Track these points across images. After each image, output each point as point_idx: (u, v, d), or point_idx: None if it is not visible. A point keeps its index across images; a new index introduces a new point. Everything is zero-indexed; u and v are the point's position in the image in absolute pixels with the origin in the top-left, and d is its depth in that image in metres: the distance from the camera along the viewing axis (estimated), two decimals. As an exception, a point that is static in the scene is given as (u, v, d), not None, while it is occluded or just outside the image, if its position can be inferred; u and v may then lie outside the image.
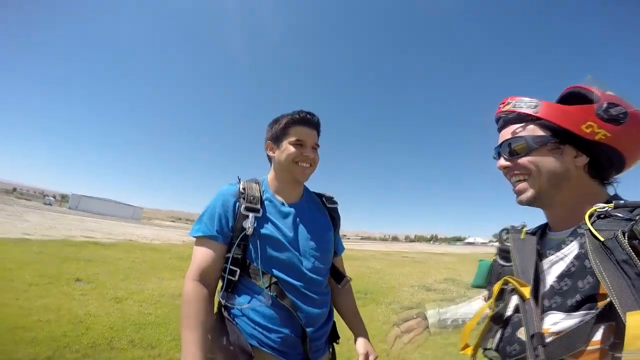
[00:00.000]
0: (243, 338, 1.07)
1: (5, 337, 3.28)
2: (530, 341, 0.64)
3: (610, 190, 0.77)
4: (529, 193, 0.77)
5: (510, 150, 0.78)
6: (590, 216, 0.65)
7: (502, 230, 0.94)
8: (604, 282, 0.55)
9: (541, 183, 0.75)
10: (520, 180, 0.79)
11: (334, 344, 1.33)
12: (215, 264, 1.13)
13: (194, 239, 1.17)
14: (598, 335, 0.56)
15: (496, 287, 0.81)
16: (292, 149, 1.20)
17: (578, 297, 0.61)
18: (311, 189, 1.42)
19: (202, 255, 1.12)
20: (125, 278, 6.97)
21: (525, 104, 0.76)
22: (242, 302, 1.12)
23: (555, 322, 0.62)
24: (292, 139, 1.21)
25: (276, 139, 1.25)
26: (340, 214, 1.42)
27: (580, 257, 0.65)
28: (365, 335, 1.29)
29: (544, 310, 0.66)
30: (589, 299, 0.59)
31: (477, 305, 1.08)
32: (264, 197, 1.21)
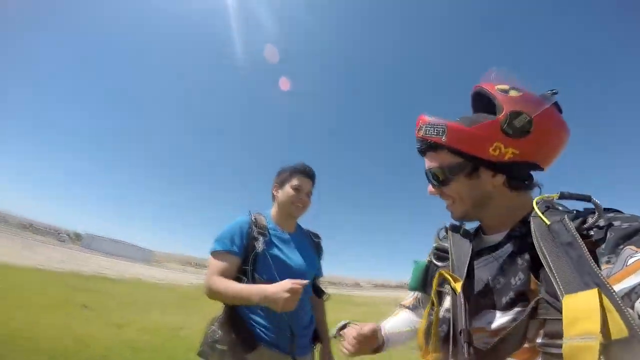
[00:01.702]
0: (249, 331, 1.37)
1: (10, 343, 3.50)
2: (459, 337, 0.64)
3: (536, 192, 0.76)
4: (457, 214, 0.80)
5: (435, 179, 0.78)
6: (537, 204, 0.66)
7: (440, 229, 0.93)
8: (546, 264, 0.55)
9: (465, 207, 0.77)
10: (448, 203, 0.81)
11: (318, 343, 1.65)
12: (230, 272, 1.40)
13: (210, 255, 1.45)
14: (533, 333, 0.55)
15: (434, 285, 0.80)
16: (291, 192, 1.57)
17: (511, 294, 0.61)
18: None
19: (220, 263, 1.41)
20: (128, 309, 7.07)
21: (433, 130, 0.73)
22: (251, 307, 1.39)
23: (491, 321, 0.63)
24: (293, 184, 1.58)
25: (281, 183, 1.62)
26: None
27: (512, 255, 0.65)
28: (327, 342, 1.65)
29: (481, 309, 0.66)
30: (521, 296, 0.60)
31: (403, 317, 1.07)
32: (268, 226, 1.56)
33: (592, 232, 0.57)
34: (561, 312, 0.49)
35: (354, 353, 0.94)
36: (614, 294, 0.45)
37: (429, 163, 0.79)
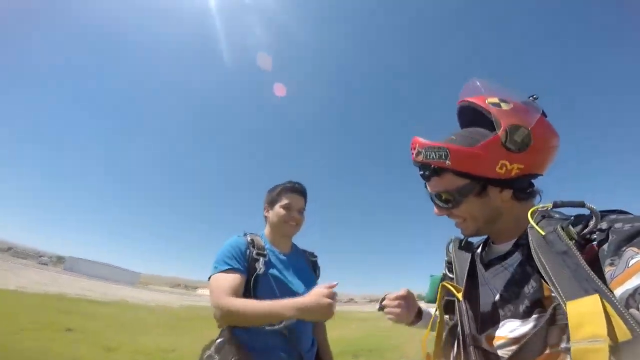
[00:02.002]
0: (249, 356, 1.22)
1: None
2: (466, 341, 0.68)
3: (537, 199, 0.77)
4: (469, 231, 0.80)
5: (441, 200, 0.77)
6: (533, 215, 0.66)
7: (449, 243, 0.94)
8: (545, 274, 0.56)
9: (476, 224, 0.77)
10: (458, 222, 0.80)
11: None
12: (240, 290, 1.26)
13: (211, 277, 1.32)
14: (555, 339, 0.56)
15: (438, 295, 0.86)
16: (282, 211, 1.50)
17: (527, 302, 0.62)
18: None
19: (229, 281, 1.27)
20: (118, 332, 6.68)
21: (435, 154, 0.72)
22: (251, 329, 1.28)
23: (513, 330, 0.63)
24: (283, 203, 1.51)
25: (271, 203, 1.55)
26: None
27: (522, 264, 0.66)
28: None
29: (501, 319, 0.66)
30: (537, 303, 0.60)
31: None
32: (266, 247, 1.48)
33: (594, 236, 0.57)
34: None
35: (398, 318, 0.99)
36: (613, 298, 0.46)
37: (434, 187, 0.77)
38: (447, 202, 0.76)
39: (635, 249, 0.49)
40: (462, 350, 0.72)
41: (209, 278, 1.32)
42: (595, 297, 0.47)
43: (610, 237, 0.54)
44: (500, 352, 0.63)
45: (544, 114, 0.73)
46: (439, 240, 1.03)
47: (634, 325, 0.43)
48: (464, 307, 0.74)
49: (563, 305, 0.50)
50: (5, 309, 6.67)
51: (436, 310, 0.88)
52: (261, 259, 1.38)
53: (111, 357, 4.55)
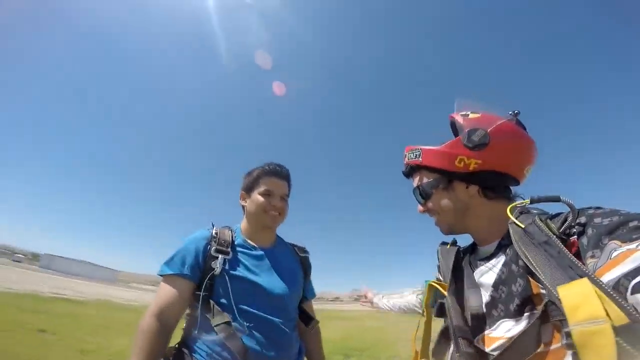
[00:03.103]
0: None
1: None
2: (453, 332, 0.72)
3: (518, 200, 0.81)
4: (443, 228, 0.87)
5: (419, 196, 0.88)
6: (512, 211, 0.69)
7: (438, 249, 1.00)
8: (530, 265, 0.57)
9: (448, 219, 0.84)
10: (435, 219, 0.88)
11: None
12: (178, 302, 1.14)
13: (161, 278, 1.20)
14: (549, 336, 0.55)
15: (426, 295, 0.92)
16: (261, 199, 1.28)
17: (517, 300, 0.62)
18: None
19: (166, 293, 1.15)
20: (94, 333, 6.32)
21: (413, 154, 0.86)
22: (201, 336, 1.13)
23: (508, 329, 0.63)
24: (262, 189, 1.29)
25: (248, 190, 1.34)
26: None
27: (507, 264, 0.68)
28: None
29: (495, 320, 0.67)
30: (527, 301, 0.61)
31: (409, 298, 1.37)
32: (235, 242, 1.28)
33: (573, 230, 0.58)
34: None
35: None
36: (600, 282, 0.46)
37: (414, 183, 0.89)
38: (422, 196, 0.86)
39: (618, 242, 0.50)
40: (451, 344, 0.77)
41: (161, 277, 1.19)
42: (584, 280, 0.47)
43: (589, 231, 0.55)
44: (497, 353, 0.61)
45: (520, 125, 0.80)
46: (430, 239, 1.08)
47: (628, 308, 0.42)
48: (450, 303, 0.78)
49: (553, 291, 0.51)
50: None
51: (423, 311, 0.93)
52: (220, 257, 1.18)
53: (88, 360, 4.23)
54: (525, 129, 0.81)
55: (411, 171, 0.89)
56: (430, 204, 0.85)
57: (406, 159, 0.88)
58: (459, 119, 0.81)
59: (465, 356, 0.68)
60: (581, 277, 0.48)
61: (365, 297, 1.71)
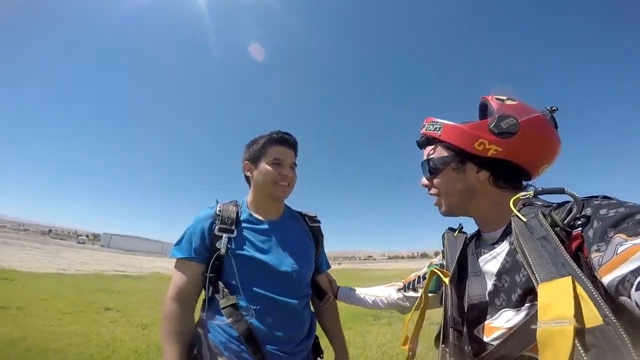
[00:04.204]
0: (207, 349, 1.12)
1: (38, 358, 3.44)
2: (446, 322, 0.73)
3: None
4: (443, 208, 0.85)
5: (427, 170, 0.86)
6: (516, 203, 0.68)
7: (443, 234, 1.00)
8: (523, 258, 0.58)
9: (450, 199, 0.82)
10: (435, 197, 0.86)
11: (319, 358, 1.33)
12: (191, 284, 1.16)
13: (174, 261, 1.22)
14: None
15: (427, 281, 0.91)
16: (270, 168, 1.21)
17: (519, 291, 0.62)
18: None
19: (179, 277, 1.17)
20: (152, 307, 7.06)
21: (432, 127, 0.83)
22: (214, 317, 1.15)
23: (508, 319, 0.64)
24: (270, 158, 1.22)
25: (254, 160, 1.26)
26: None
27: (511, 253, 0.68)
28: (344, 355, 1.35)
29: (497, 309, 0.67)
30: (529, 292, 0.61)
31: (386, 290, 1.25)
32: (241, 218, 1.23)
33: (578, 222, 0.57)
34: None
35: None
36: (587, 283, 0.47)
37: (425, 155, 0.87)
38: (430, 170, 0.84)
39: (624, 236, 0.49)
40: (441, 333, 0.77)
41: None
42: (567, 280, 0.48)
43: (595, 223, 0.54)
44: (495, 343, 0.64)
45: (553, 121, 0.76)
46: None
47: (605, 310, 0.43)
48: (449, 291, 0.78)
49: (536, 286, 0.53)
50: (47, 293, 7.15)
51: (422, 294, 0.92)
52: (224, 236, 1.15)
53: (147, 334, 4.83)
54: (556, 127, 0.77)
55: (425, 143, 0.87)
56: (436, 180, 0.83)
57: (424, 129, 0.86)
58: (493, 102, 0.77)
59: (453, 348, 0.71)
60: (570, 274, 0.49)
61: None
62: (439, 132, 0.81)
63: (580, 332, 0.43)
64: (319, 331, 1.35)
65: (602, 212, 0.55)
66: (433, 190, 0.85)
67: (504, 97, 0.78)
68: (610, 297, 0.47)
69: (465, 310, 0.76)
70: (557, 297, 0.47)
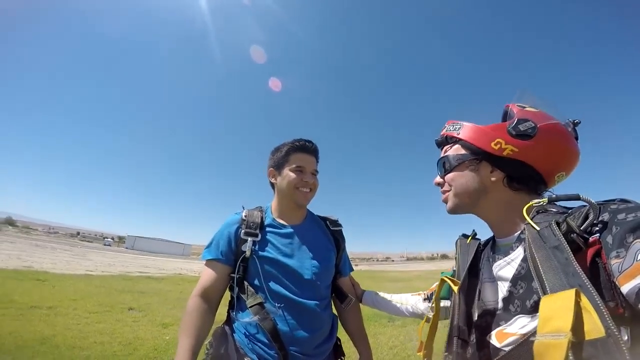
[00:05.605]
0: (233, 349, 1.18)
1: (65, 354, 3.66)
2: (451, 330, 0.73)
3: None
4: (449, 204, 0.85)
5: (442, 167, 0.87)
6: (529, 211, 0.68)
7: (457, 240, 1.00)
8: (535, 267, 0.58)
9: (460, 196, 0.82)
10: (444, 195, 0.87)
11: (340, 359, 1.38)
12: (217, 283, 1.24)
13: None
14: None
15: (437, 288, 0.92)
16: (292, 175, 1.29)
17: (535, 297, 0.61)
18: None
19: (207, 276, 1.25)
20: (173, 307, 7.32)
21: (453, 127, 0.86)
22: (240, 317, 1.22)
23: (523, 326, 0.63)
24: (293, 165, 1.30)
25: (278, 167, 1.34)
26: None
27: (527, 259, 0.66)
28: (368, 357, 1.37)
29: (512, 315, 0.67)
30: None
31: (412, 298, 1.27)
32: (265, 222, 1.31)
33: (596, 228, 0.56)
34: None
35: None
36: (595, 295, 0.46)
37: (443, 153, 0.89)
38: (445, 168, 0.86)
39: None
40: (446, 342, 0.78)
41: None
42: (571, 292, 0.47)
43: (614, 229, 0.53)
44: (508, 349, 0.63)
45: (575, 134, 0.77)
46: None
47: (609, 322, 0.43)
48: (457, 300, 0.80)
49: (541, 298, 0.52)
50: (76, 294, 7.54)
51: (432, 302, 0.93)
52: (250, 239, 1.23)
53: (167, 333, 5.01)
54: (577, 138, 0.77)
55: (444, 142, 0.89)
56: (449, 177, 0.84)
57: (444, 130, 0.88)
58: (514, 108, 0.80)
59: (456, 357, 0.71)
60: (579, 285, 0.48)
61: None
62: (459, 132, 0.83)
63: (577, 345, 0.44)
64: (342, 334, 1.39)
65: (620, 216, 0.54)
66: (445, 187, 0.86)
67: (526, 105, 0.80)
68: (629, 305, 0.48)
69: (476, 317, 0.76)
70: (557, 311, 0.47)
